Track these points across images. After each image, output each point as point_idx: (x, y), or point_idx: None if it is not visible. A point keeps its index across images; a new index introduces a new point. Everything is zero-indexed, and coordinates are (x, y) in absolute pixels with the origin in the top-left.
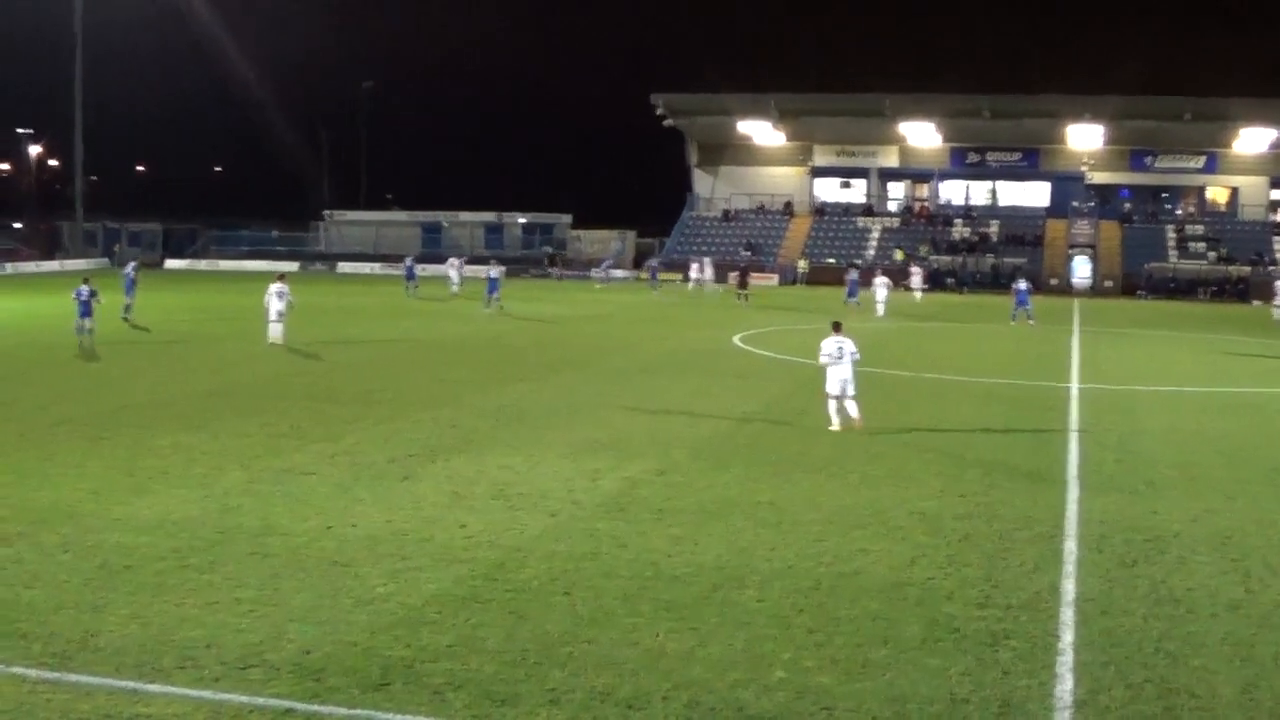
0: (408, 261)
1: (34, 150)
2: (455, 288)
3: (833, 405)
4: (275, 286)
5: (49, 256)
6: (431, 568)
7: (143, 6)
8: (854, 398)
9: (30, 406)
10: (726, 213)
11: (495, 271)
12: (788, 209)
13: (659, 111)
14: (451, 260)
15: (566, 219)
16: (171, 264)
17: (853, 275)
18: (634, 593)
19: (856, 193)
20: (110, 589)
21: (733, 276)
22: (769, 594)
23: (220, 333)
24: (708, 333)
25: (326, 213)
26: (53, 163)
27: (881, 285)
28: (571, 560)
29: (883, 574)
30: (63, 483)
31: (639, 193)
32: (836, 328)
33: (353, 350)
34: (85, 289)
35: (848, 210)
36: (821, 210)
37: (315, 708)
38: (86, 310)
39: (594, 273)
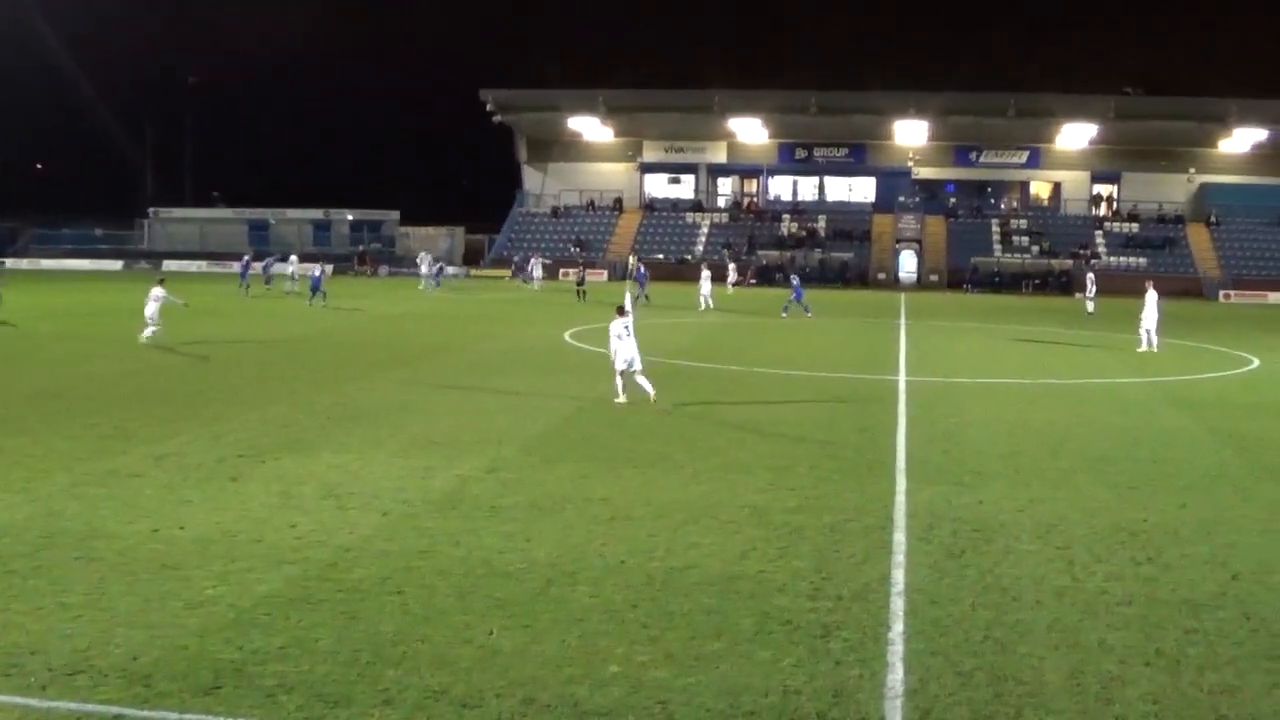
0: (245, 259)
1: None
2: (293, 285)
3: (620, 381)
4: (155, 291)
5: None
6: (261, 569)
7: None
8: (642, 373)
9: None
10: (556, 209)
11: (319, 269)
12: (617, 205)
13: (488, 107)
14: (292, 258)
15: (394, 216)
16: None
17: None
18: (467, 590)
19: (686, 189)
20: None
21: (571, 274)
22: (602, 590)
23: (44, 333)
24: (539, 330)
25: (151, 210)
26: None
27: (705, 280)
28: (403, 559)
29: (715, 568)
30: None
31: (468, 189)
32: (621, 311)
33: (179, 350)
34: None
35: (676, 206)
36: (651, 206)
37: (145, 713)
38: None
39: (423, 276)
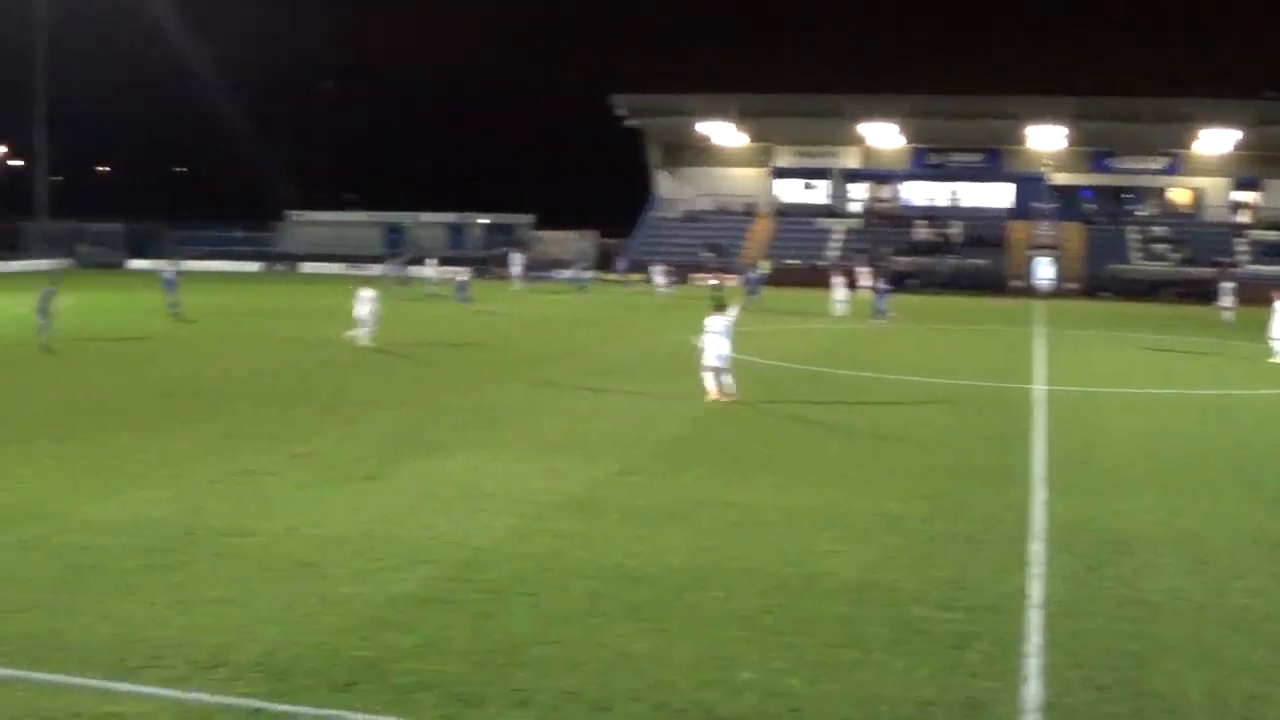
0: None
1: None
2: (434, 288)
3: (710, 378)
4: (364, 292)
5: (10, 256)
6: (398, 568)
7: (105, 8)
8: (729, 371)
9: None
10: (688, 213)
11: (464, 274)
12: (749, 210)
13: (620, 112)
14: (430, 261)
15: (529, 219)
16: (134, 264)
17: (755, 273)
18: (600, 594)
19: (818, 194)
20: (79, 589)
21: (703, 279)
22: (735, 595)
23: (184, 333)
24: (670, 334)
25: (288, 213)
26: (16, 163)
27: (838, 285)
28: (537, 561)
29: (849, 575)
30: (28, 483)
31: (601, 194)
32: (720, 308)
33: (318, 351)
34: (48, 289)
35: (809, 211)
36: (783, 211)
37: (282, 707)
38: (45, 310)
39: (514, 277)
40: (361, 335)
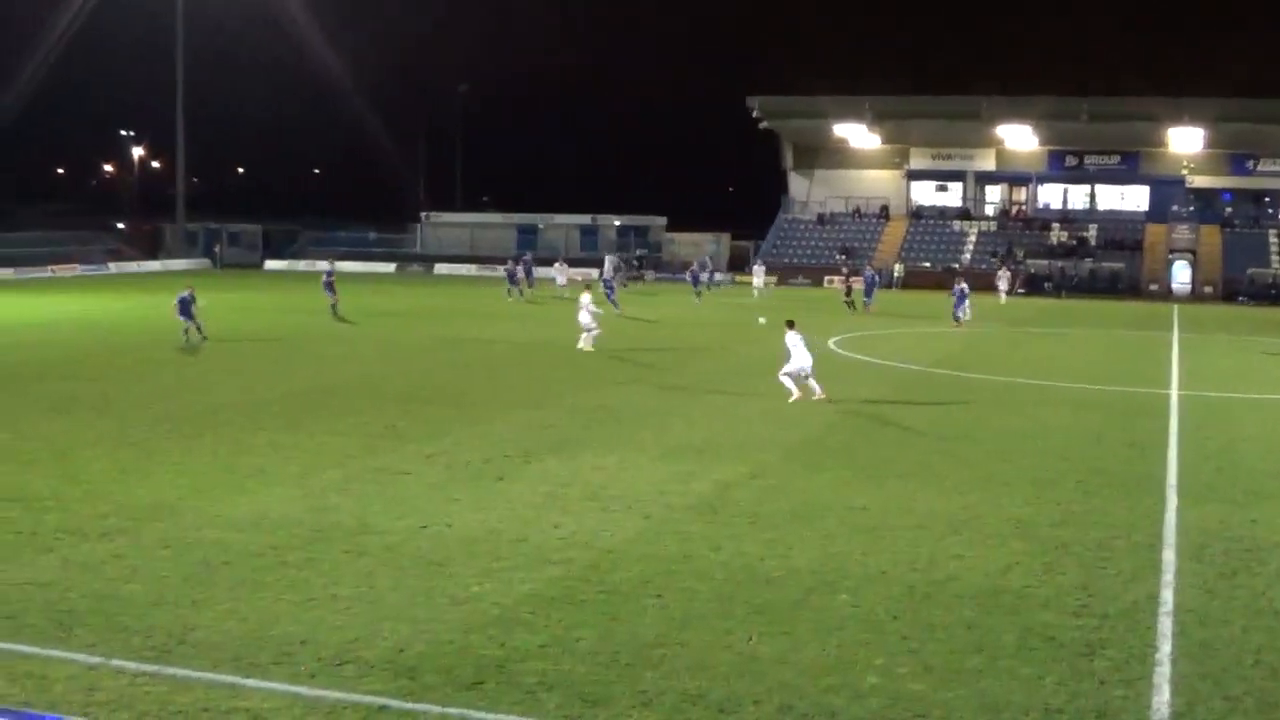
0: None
1: (137, 152)
2: (562, 288)
3: (790, 383)
4: (585, 298)
5: (151, 256)
6: (525, 568)
7: (242, 11)
8: (812, 375)
9: (131, 404)
10: (821, 216)
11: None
12: (883, 212)
13: (754, 114)
14: (560, 264)
15: (661, 221)
16: (271, 265)
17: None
18: (727, 596)
19: (953, 196)
20: (209, 585)
21: (837, 280)
22: (862, 599)
23: (318, 333)
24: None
25: (423, 214)
26: (155, 164)
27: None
28: (664, 563)
29: (977, 580)
30: (162, 480)
31: (734, 195)
32: (790, 325)
33: (450, 351)
34: (187, 292)
35: (944, 214)
36: (918, 214)
37: (409, 705)
38: (185, 311)
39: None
40: (586, 340)
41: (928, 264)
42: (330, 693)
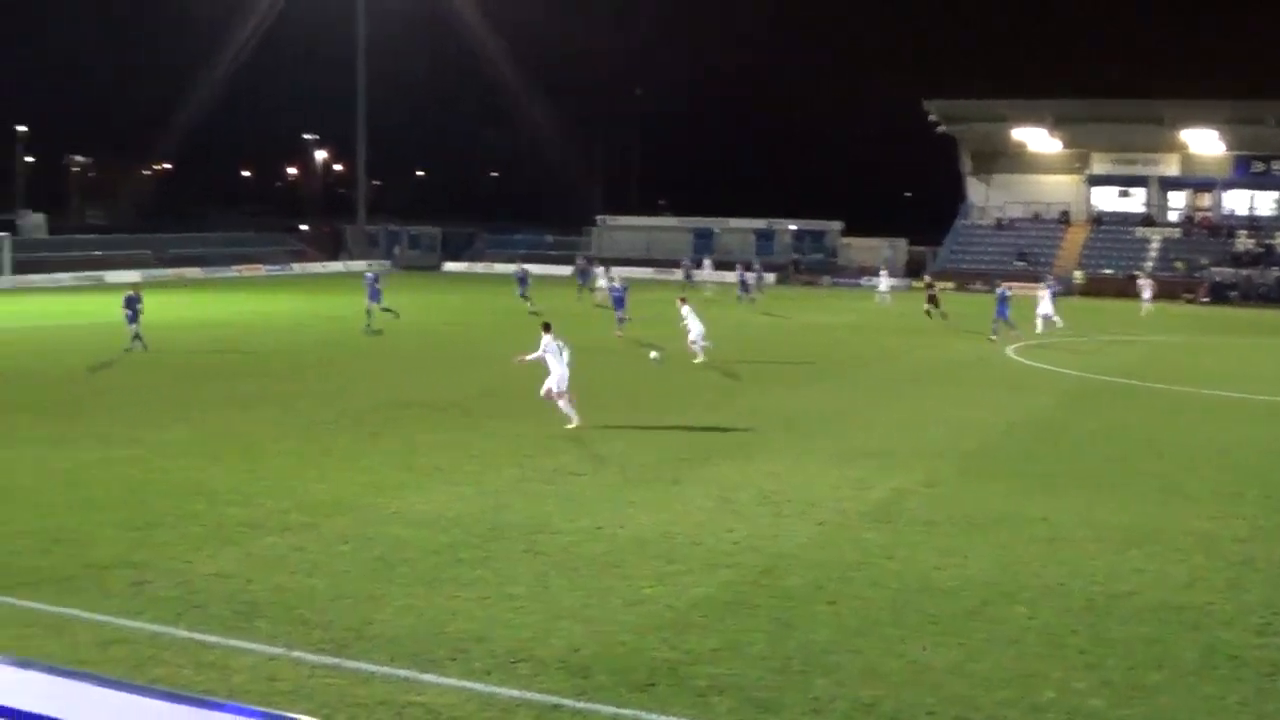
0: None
1: (320, 155)
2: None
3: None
4: (687, 309)
5: (333, 258)
6: (699, 571)
7: (421, 17)
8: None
9: (313, 402)
10: (1000, 221)
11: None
12: (1063, 218)
13: (931, 118)
14: (707, 263)
15: (837, 226)
16: (449, 266)
17: (1054, 286)
18: (900, 604)
19: (1135, 202)
20: (387, 580)
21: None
22: (1039, 611)
23: (493, 333)
24: (978, 343)
25: (599, 218)
26: (337, 167)
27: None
28: (838, 569)
29: (1157, 595)
30: (342, 476)
31: (910, 200)
32: (547, 328)
33: (621, 353)
34: (371, 274)
35: (1125, 220)
36: (1098, 219)
37: (582, 705)
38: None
39: (879, 284)
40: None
41: (1109, 271)
42: (504, 690)
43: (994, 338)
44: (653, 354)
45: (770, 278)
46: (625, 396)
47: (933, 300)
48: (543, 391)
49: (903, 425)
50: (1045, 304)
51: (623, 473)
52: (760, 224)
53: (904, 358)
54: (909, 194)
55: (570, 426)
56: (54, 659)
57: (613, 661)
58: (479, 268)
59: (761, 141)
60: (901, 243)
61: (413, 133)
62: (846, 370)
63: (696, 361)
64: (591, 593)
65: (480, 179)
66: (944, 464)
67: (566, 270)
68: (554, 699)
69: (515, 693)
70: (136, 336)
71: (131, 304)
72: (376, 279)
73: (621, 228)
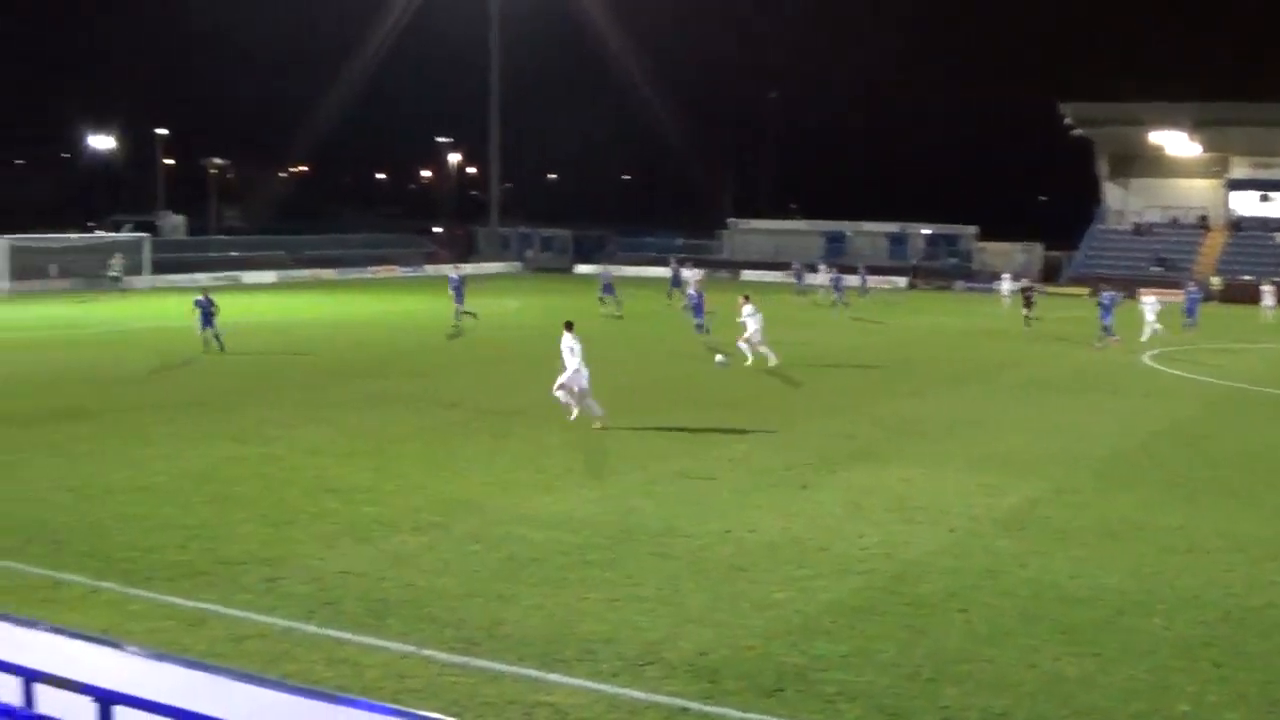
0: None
1: (453, 158)
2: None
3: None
4: (748, 308)
5: (465, 260)
6: (828, 576)
7: (554, 21)
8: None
9: (443, 402)
10: (1137, 226)
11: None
12: (1201, 222)
13: (1067, 121)
14: (821, 267)
15: (971, 230)
16: (580, 269)
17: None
18: (1033, 613)
19: (1275, 207)
20: (516, 580)
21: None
22: (1175, 623)
23: (620, 335)
24: (1116, 350)
25: (730, 221)
26: (470, 170)
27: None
28: (969, 577)
29: None
30: (473, 476)
31: (1046, 204)
32: (569, 326)
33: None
34: (455, 276)
35: (1266, 225)
36: (1238, 224)
37: (710, 709)
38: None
39: (1001, 289)
40: (766, 353)
41: (1248, 277)
42: (632, 692)
43: (1098, 345)
44: (718, 358)
45: (874, 280)
46: (752, 401)
47: (1028, 304)
48: (556, 387)
49: (1035, 431)
50: (1150, 311)
51: (751, 477)
52: (893, 228)
53: (1035, 363)
54: (1044, 198)
55: (598, 426)
56: (190, 652)
57: (741, 666)
58: (610, 270)
59: (895, 144)
60: (1037, 247)
61: (545, 135)
62: (978, 376)
63: (746, 364)
64: (720, 596)
65: (612, 182)
66: (1077, 471)
67: (696, 273)
68: (681, 702)
69: (643, 695)
70: (216, 338)
71: (204, 307)
72: (461, 281)
73: (752, 230)
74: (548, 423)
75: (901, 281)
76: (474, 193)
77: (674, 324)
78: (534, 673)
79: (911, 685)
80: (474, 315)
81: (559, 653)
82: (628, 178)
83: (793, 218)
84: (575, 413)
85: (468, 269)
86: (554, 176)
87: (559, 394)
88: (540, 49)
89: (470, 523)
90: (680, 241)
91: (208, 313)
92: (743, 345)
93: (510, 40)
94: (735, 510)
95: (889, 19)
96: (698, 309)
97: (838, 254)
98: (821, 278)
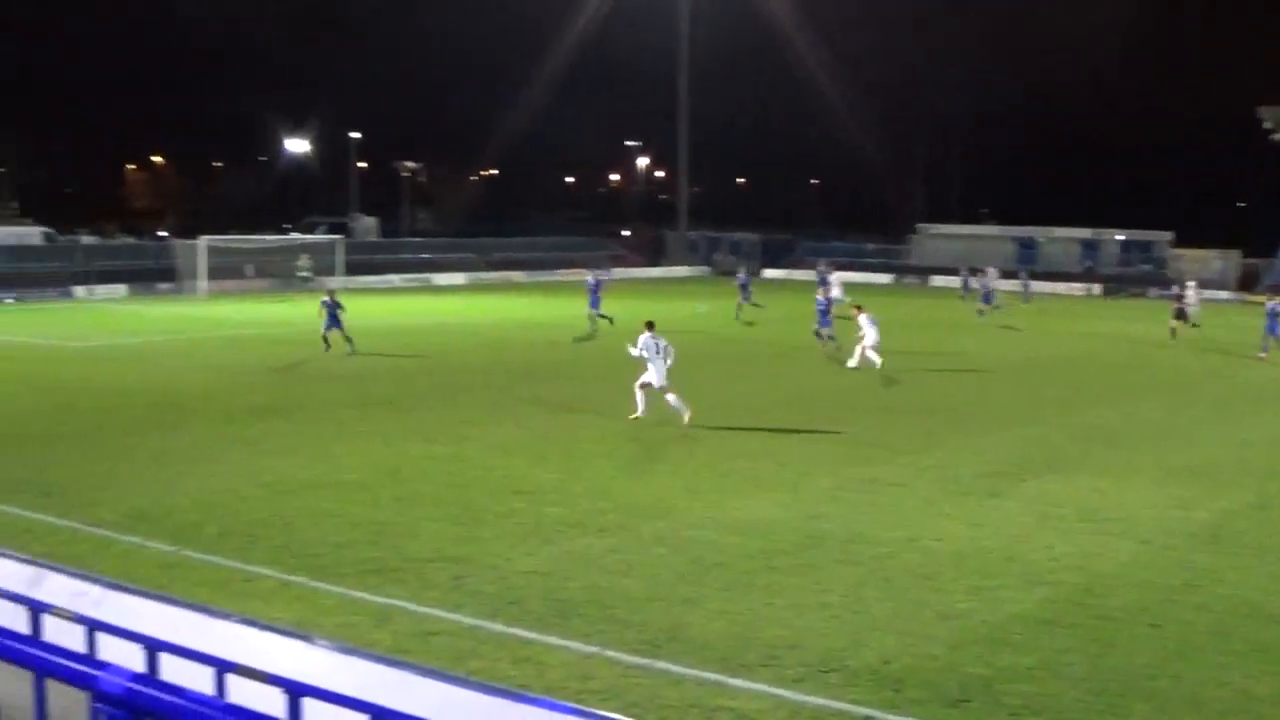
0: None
1: (642, 162)
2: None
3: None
4: (864, 317)
5: (653, 263)
6: (1015, 587)
7: (743, 24)
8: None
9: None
10: None
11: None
12: None
13: (1266, 125)
14: (991, 270)
15: (1166, 237)
16: (769, 273)
17: None
18: (1227, 630)
19: None
20: (700, 584)
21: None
22: None
23: (809, 341)
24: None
25: (920, 226)
26: (659, 174)
27: None
28: (1162, 591)
29: None
30: (659, 479)
31: (1244, 211)
32: (649, 326)
33: (933, 363)
34: (592, 280)
35: None
36: None
37: (893, 717)
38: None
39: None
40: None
41: None
42: (814, 699)
43: (1262, 355)
44: (851, 361)
45: (1059, 287)
46: (944, 409)
47: (1180, 315)
48: (638, 384)
49: (1229, 443)
50: None
51: (940, 484)
52: (1085, 233)
53: (1229, 374)
54: (1242, 204)
55: (686, 420)
56: (377, 647)
57: (925, 675)
58: (798, 274)
59: (1088, 149)
60: (1234, 254)
61: (733, 139)
62: (1172, 386)
63: (850, 365)
64: (905, 605)
65: (800, 187)
66: (1275, 484)
67: (884, 279)
68: (864, 710)
69: (825, 702)
70: (347, 339)
71: (330, 308)
72: (599, 285)
73: (941, 236)
74: (732, 428)
75: (1096, 288)
76: (662, 196)
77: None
78: (716, 677)
79: (1099, 700)
80: (610, 319)
81: (741, 657)
82: (816, 181)
83: (983, 223)
84: (641, 410)
85: (655, 272)
86: (742, 180)
87: (669, 399)
88: (729, 53)
89: (656, 525)
90: (870, 246)
91: (334, 314)
92: (871, 354)
93: (699, 44)
94: (922, 518)
95: (1084, 23)
96: (823, 315)
97: (1029, 260)
98: (992, 282)
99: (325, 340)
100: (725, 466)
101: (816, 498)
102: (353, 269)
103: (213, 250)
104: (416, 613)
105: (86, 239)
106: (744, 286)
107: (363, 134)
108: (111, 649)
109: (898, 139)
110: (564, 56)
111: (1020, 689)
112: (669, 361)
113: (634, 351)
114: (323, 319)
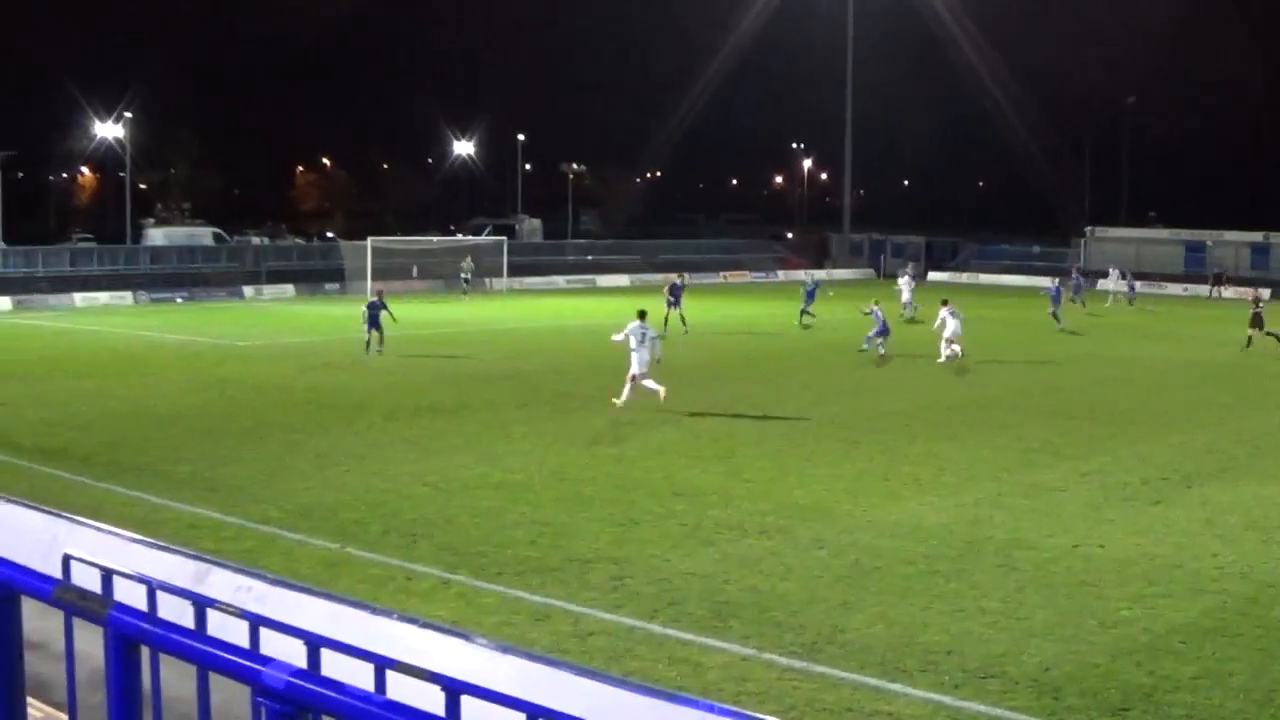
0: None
1: (806, 164)
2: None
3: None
4: (946, 310)
5: (817, 266)
6: (1178, 595)
7: (908, 28)
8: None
9: (795, 408)
10: None
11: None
12: None
13: None
14: (1113, 272)
15: None
16: (934, 276)
17: None
18: None
19: None
20: (860, 588)
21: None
22: None
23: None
24: None
25: (1088, 229)
26: (823, 176)
27: None
28: None
29: None
30: (820, 482)
31: None
32: (641, 315)
33: (1102, 368)
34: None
35: None
36: None
37: None
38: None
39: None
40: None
41: None
42: (973, 705)
43: None
44: (944, 356)
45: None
46: (1107, 413)
47: (1257, 322)
48: (630, 375)
49: None
50: None
51: (1104, 490)
52: (1256, 237)
53: None
54: None
55: (662, 397)
56: (536, 646)
57: (1085, 683)
58: (964, 278)
59: (1260, 152)
60: None
61: (899, 142)
62: None
63: (939, 362)
64: (1066, 611)
65: (966, 189)
66: None
67: (1045, 282)
68: (1024, 717)
69: (984, 708)
70: (379, 340)
71: (373, 309)
72: (816, 286)
73: (1110, 239)
74: (897, 431)
75: (1265, 293)
76: (827, 199)
77: (1023, 331)
78: (875, 681)
79: (1263, 711)
80: (813, 316)
81: (900, 662)
82: (982, 184)
83: (1152, 226)
84: (662, 392)
85: (820, 274)
86: (907, 183)
87: (645, 384)
88: (895, 55)
89: (816, 528)
90: (1037, 249)
91: (375, 315)
92: (947, 346)
93: (864, 46)
94: (1085, 524)
95: (1253, 23)
96: (883, 328)
97: (1197, 264)
98: (1112, 284)
99: (367, 344)
100: (887, 470)
101: (979, 502)
102: (517, 270)
103: (378, 251)
104: (575, 612)
105: (256, 240)
106: (810, 294)
107: (528, 136)
108: (274, 644)
109: (1065, 140)
110: (728, 58)
111: (1182, 699)
112: (657, 353)
113: (617, 338)
114: (364, 320)
